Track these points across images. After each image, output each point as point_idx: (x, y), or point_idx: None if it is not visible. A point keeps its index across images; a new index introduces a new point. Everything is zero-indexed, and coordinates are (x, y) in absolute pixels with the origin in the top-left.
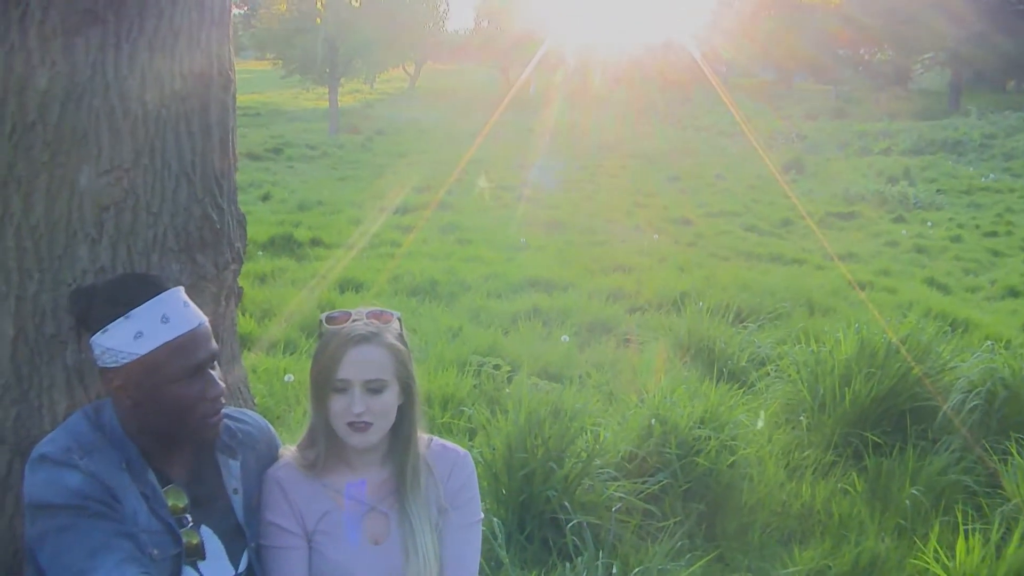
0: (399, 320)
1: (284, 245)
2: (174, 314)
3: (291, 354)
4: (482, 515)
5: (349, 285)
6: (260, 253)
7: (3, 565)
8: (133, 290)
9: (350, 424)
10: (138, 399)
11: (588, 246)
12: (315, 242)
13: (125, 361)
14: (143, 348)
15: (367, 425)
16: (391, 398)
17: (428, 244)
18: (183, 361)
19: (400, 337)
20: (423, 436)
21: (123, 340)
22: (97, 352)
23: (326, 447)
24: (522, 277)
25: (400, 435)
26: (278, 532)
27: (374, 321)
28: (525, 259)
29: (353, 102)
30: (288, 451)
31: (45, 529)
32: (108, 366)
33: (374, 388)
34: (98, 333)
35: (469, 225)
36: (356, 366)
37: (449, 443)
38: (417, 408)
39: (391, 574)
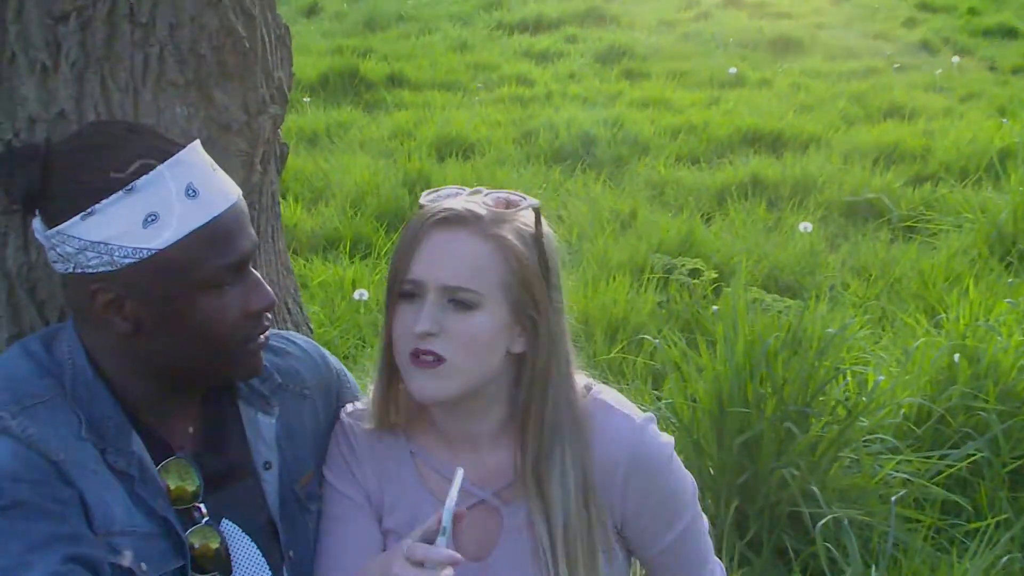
0: (536, 212)
1: (345, 86)
2: (204, 184)
3: (363, 258)
4: (695, 518)
5: (452, 148)
6: (307, 100)
7: None
8: (127, 146)
9: (412, 355)
10: (144, 321)
11: (841, 77)
12: (395, 80)
13: (127, 262)
14: (161, 239)
15: (435, 359)
16: (487, 325)
17: (579, 80)
18: (223, 256)
19: (531, 239)
20: (576, 384)
21: (124, 227)
22: (69, 249)
23: (399, 395)
24: (733, 130)
25: (520, 398)
26: (334, 496)
27: (488, 204)
28: (738, 101)
29: None
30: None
31: None
32: (92, 270)
33: (459, 301)
34: (74, 219)
35: (644, 48)
36: (434, 260)
37: (624, 403)
38: (555, 358)
39: None
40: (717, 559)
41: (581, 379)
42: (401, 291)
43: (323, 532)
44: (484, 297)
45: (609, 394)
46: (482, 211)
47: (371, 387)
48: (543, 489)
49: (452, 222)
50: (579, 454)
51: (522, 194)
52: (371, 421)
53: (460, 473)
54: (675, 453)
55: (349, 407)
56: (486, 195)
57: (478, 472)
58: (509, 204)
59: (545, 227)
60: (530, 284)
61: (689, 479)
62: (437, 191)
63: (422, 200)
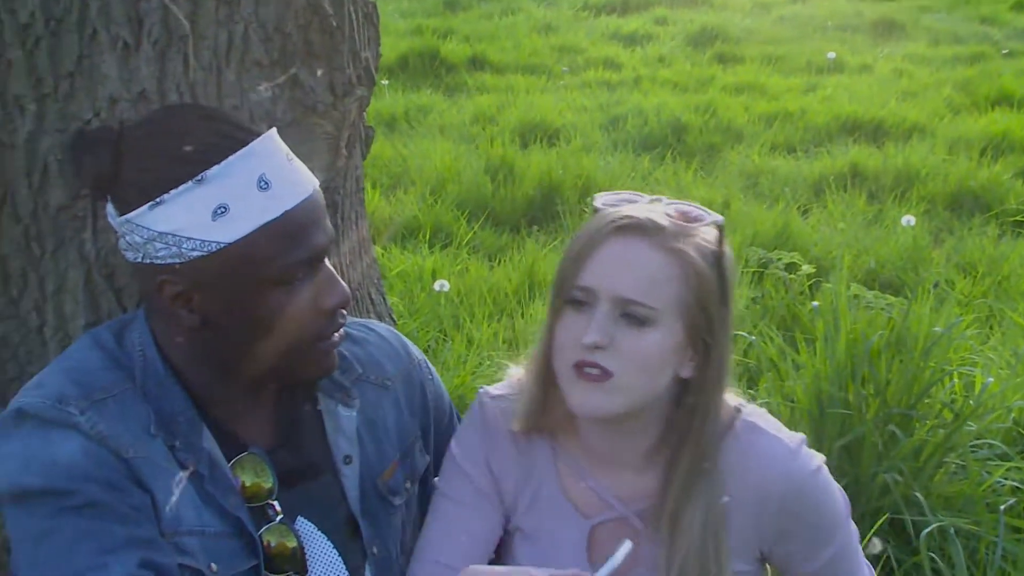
0: (720, 229)
1: (424, 68)
2: (277, 175)
3: (443, 247)
4: (849, 535)
5: (536, 134)
6: (385, 82)
7: None
8: (199, 133)
9: (577, 367)
10: (212, 315)
11: (946, 63)
12: (476, 63)
13: (195, 255)
14: (230, 232)
15: (602, 373)
16: (660, 344)
17: (669, 64)
18: (295, 252)
19: (712, 257)
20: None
21: (193, 219)
22: (137, 239)
23: (545, 400)
24: (831, 118)
25: (678, 420)
26: (459, 478)
27: (670, 215)
28: (836, 87)
29: None
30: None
31: (17, 536)
32: (160, 262)
33: (633, 315)
34: (142, 208)
35: (738, 31)
36: (609, 269)
37: (776, 425)
38: (720, 387)
39: None
40: (866, 562)
41: (732, 399)
42: (570, 297)
43: (435, 509)
44: (659, 313)
45: (759, 416)
46: (664, 222)
47: (519, 387)
48: (678, 517)
49: (632, 230)
50: (718, 485)
51: (705, 208)
52: (519, 424)
53: (628, 546)
54: (826, 470)
55: (493, 391)
56: (667, 205)
57: (620, 488)
58: (692, 218)
59: (726, 246)
60: (707, 305)
61: (841, 497)
62: (612, 194)
63: (597, 203)
